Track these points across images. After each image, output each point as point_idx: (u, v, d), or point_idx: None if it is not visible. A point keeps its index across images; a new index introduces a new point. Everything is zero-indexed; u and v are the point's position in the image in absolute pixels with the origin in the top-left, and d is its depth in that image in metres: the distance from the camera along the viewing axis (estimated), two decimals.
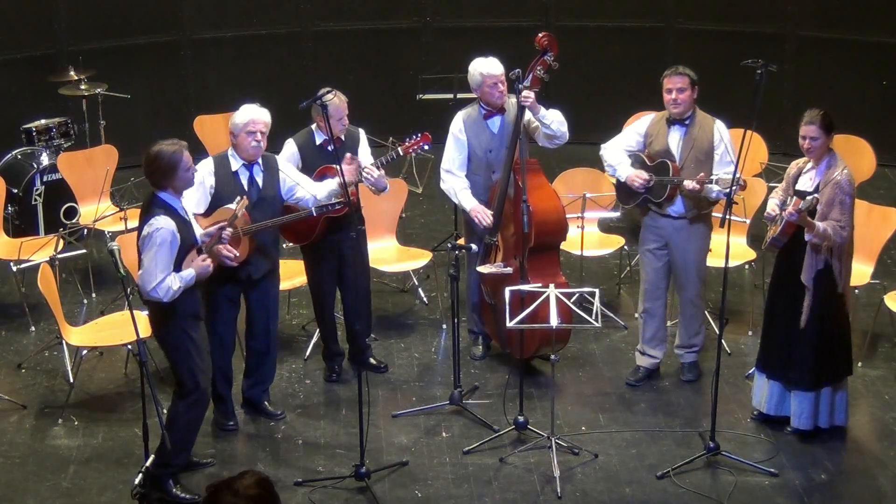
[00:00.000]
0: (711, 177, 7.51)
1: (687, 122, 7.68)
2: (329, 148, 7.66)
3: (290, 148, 7.84)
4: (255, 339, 7.58)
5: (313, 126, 7.85)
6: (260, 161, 7.34)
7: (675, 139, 7.70)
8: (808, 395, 7.26)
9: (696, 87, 7.64)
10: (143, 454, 6.78)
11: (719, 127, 7.69)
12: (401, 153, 7.84)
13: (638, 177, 7.71)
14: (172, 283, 6.52)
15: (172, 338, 6.75)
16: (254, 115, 7.26)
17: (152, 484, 6.78)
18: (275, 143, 7.54)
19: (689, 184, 7.51)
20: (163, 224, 6.51)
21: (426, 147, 7.88)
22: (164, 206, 6.59)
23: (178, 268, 6.59)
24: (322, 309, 8.07)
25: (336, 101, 7.62)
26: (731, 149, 7.61)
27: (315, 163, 7.79)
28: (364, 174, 7.67)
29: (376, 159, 7.83)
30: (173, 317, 6.68)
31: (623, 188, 7.89)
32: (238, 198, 7.01)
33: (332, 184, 7.49)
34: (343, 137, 7.80)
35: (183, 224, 6.64)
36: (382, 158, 7.79)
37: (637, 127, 7.91)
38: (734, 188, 7.13)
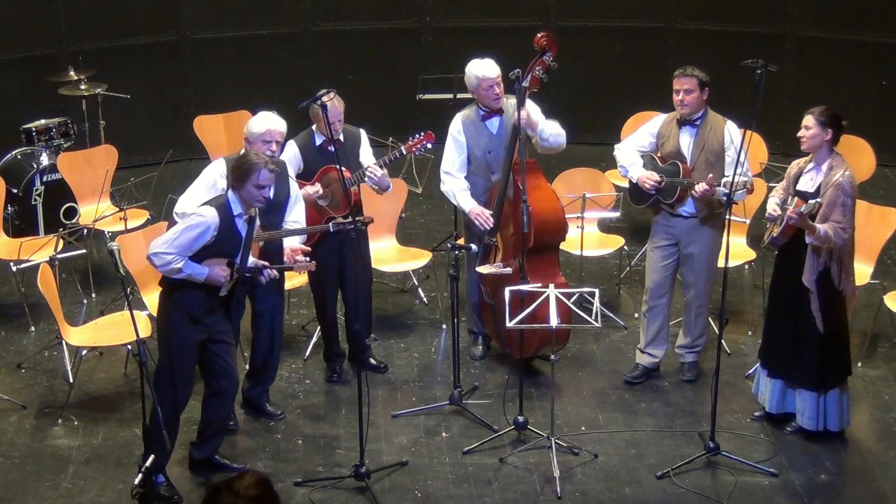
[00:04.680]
0: (723, 179, 7.49)
1: (697, 123, 7.67)
2: (330, 149, 7.65)
3: (291, 149, 7.84)
4: (261, 340, 7.58)
5: (313, 127, 7.85)
6: None
7: (685, 140, 7.70)
8: (813, 394, 7.25)
9: (706, 89, 7.62)
10: (143, 454, 6.80)
11: (730, 128, 7.67)
12: (404, 152, 7.83)
13: (649, 178, 7.71)
14: (175, 262, 6.52)
15: (161, 322, 6.79)
16: (270, 125, 7.26)
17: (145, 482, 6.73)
18: None
19: (700, 188, 7.51)
20: (208, 215, 6.55)
21: (429, 146, 7.87)
22: (225, 205, 6.63)
23: (198, 259, 6.59)
24: (324, 309, 8.07)
25: (332, 102, 7.63)
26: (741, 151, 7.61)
27: (316, 164, 7.79)
28: (367, 174, 7.67)
29: (379, 159, 7.83)
30: (170, 301, 6.71)
31: (635, 188, 7.89)
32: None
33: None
34: (342, 138, 7.80)
35: (228, 231, 6.63)
36: (385, 158, 7.79)
37: (649, 127, 7.91)
38: (741, 191, 7.15)
